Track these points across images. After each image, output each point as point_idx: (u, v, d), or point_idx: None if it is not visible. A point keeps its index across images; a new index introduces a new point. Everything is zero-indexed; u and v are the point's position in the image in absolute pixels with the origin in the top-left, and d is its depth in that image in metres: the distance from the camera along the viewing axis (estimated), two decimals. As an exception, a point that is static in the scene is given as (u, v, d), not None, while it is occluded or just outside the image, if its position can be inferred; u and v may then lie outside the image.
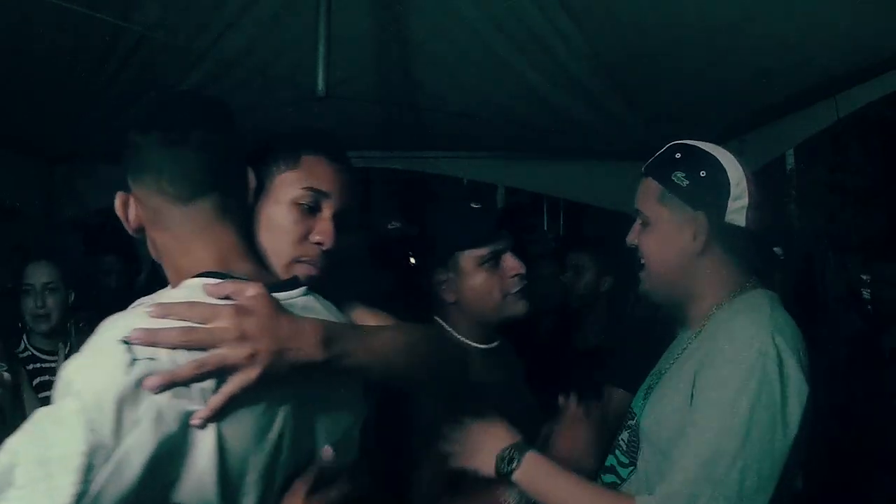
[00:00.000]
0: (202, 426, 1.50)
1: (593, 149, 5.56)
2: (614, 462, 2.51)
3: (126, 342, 1.48)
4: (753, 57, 3.71)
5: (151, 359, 1.48)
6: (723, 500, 2.03)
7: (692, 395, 2.20)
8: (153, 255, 1.87)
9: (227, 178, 1.82)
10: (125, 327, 1.51)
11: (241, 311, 1.61)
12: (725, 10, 3.30)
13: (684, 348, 2.42)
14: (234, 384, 1.55)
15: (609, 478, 2.50)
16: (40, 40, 3.55)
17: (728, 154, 2.42)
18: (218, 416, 1.52)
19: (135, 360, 1.46)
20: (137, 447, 1.42)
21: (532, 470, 2.35)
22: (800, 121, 4.50)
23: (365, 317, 2.09)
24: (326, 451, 1.80)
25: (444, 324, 2.83)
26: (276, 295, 1.73)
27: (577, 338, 4.83)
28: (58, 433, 1.40)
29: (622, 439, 2.52)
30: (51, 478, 1.37)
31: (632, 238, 2.49)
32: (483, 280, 2.77)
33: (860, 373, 5.10)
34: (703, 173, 2.35)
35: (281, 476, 1.71)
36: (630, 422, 2.51)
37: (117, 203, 1.83)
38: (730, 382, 2.10)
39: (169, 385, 1.48)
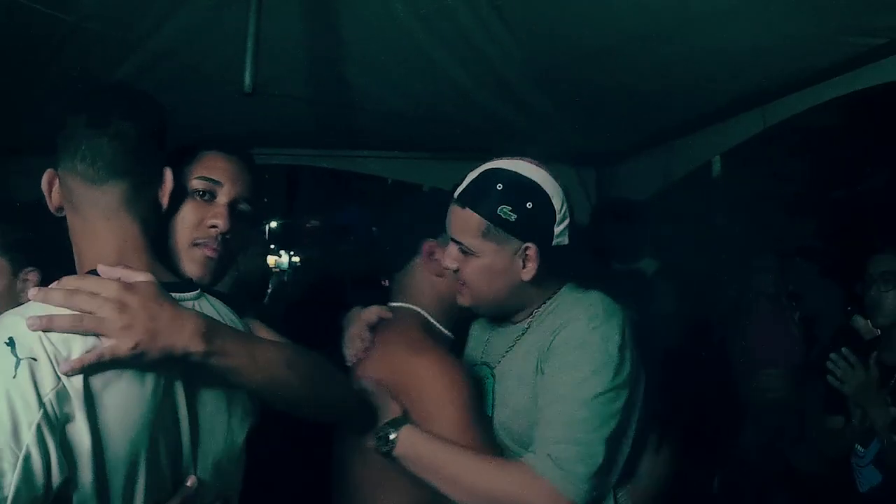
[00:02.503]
0: (67, 374, 1.56)
1: (522, 151, 5.53)
2: None
3: (9, 343, 1.54)
4: (683, 66, 3.81)
5: (34, 359, 1.54)
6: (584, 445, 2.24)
7: (537, 371, 2.40)
8: (70, 236, 1.92)
9: (140, 169, 1.90)
10: (8, 326, 1.58)
11: (126, 287, 1.69)
12: (658, 20, 3.37)
13: (518, 336, 2.57)
14: (106, 347, 1.62)
15: None
16: (-31, 28, 3.52)
17: (547, 176, 2.48)
18: (88, 372, 1.58)
19: (19, 360, 1.52)
20: (36, 445, 1.49)
21: (412, 445, 2.36)
22: (728, 129, 4.61)
23: (261, 333, 2.16)
24: (191, 480, 1.85)
25: (421, 311, 2.79)
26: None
27: None
28: None
29: None
30: None
31: (452, 263, 2.51)
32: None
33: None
34: (529, 205, 2.40)
35: (151, 485, 1.76)
36: None
37: (44, 179, 1.90)
38: (579, 364, 2.30)
39: (47, 328, 1.57)
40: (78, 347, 1.60)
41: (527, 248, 2.42)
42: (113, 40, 3.74)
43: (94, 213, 1.84)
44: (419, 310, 2.76)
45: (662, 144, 5.15)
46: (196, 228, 2.08)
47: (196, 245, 2.08)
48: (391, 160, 6.20)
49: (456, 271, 2.52)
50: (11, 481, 1.44)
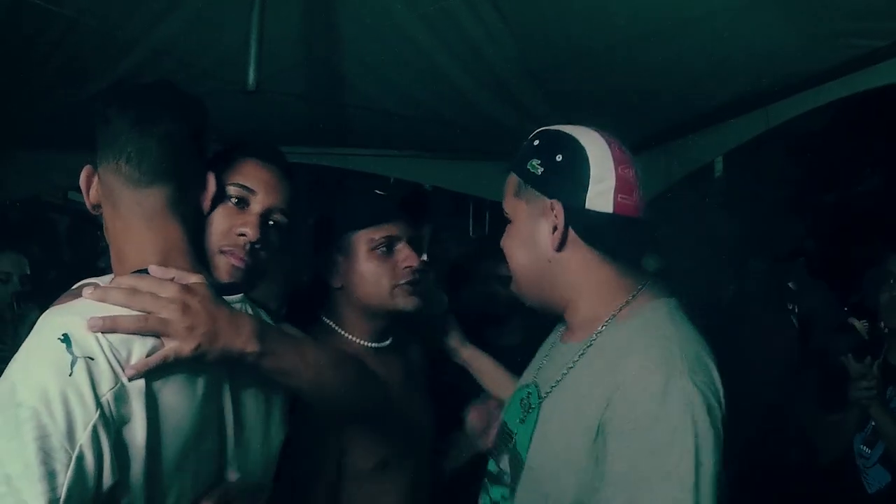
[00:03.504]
0: (132, 378, 1.56)
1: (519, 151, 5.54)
2: (506, 493, 2.16)
3: (64, 340, 1.52)
4: (684, 67, 3.79)
5: (91, 358, 1.52)
6: None
7: (596, 439, 1.88)
8: (105, 236, 1.91)
9: (184, 173, 1.88)
10: (63, 324, 1.56)
11: (185, 289, 1.70)
12: (657, 20, 3.36)
13: (570, 367, 2.08)
14: (170, 349, 1.63)
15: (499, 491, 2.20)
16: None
17: (594, 134, 2.13)
18: (149, 374, 1.59)
19: (75, 359, 1.50)
20: (90, 446, 1.47)
21: None
22: (730, 130, 4.59)
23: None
24: (233, 475, 1.87)
25: (329, 322, 2.78)
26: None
27: (497, 335, 4.80)
28: (13, 447, 1.43)
29: (502, 462, 2.21)
30: (18, 492, 1.40)
31: (502, 241, 2.23)
32: (373, 267, 2.67)
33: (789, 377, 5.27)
34: (559, 157, 2.08)
35: (195, 484, 1.77)
36: (509, 443, 2.19)
37: (82, 176, 1.89)
38: (661, 451, 1.78)
39: (111, 329, 1.56)
40: (138, 349, 1.60)
41: (552, 206, 2.07)
42: (111, 36, 3.72)
43: (136, 214, 1.82)
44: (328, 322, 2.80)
45: (663, 145, 5.13)
46: (225, 235, 2.06)
47: (223, 252, 2.06)
48: (390, 159, 6.17)
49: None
50: (63, 482, 1.43)
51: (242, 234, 2.05)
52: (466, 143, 5.56)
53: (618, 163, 2.07)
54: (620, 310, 2.07)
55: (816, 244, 8.28)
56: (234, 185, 2.09)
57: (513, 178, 2.18)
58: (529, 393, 2.22)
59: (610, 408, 1.86)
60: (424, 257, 2.74)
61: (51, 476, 1.42)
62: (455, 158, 6.05)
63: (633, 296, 2.10)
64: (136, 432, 1.57)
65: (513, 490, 2.10)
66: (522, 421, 2.16)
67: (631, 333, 2.00)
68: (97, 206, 1.90)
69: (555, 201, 2.06)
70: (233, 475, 1.86)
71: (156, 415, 1.61)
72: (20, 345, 1.58)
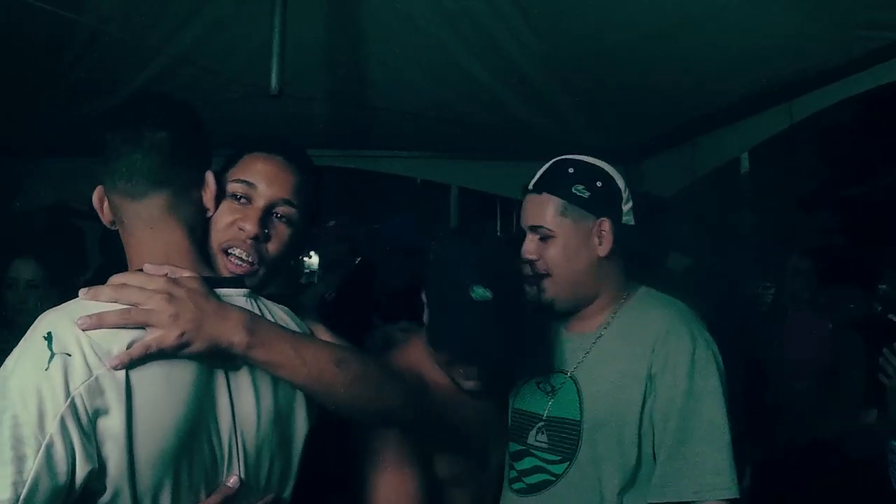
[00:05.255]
0: (116, 367, 1.59)
1: (545, 150, 5.53)
2: (538, 462, 2.62)
3: (47, 338, 1.58)
4: (705, 62, 3.78)
5: (67, 354, 1.57)
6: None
7: (647, 389, 2.46)
8: (125, 251, 1.93)
9: (178, 177, 1.89)
10: (50, 323, 1.62)
11: (172, 282, 1.72)
12: (680, 15, 3.35)
13: (587, 351, 2.62)
14: (153, 338, 1.64)
15: (538, 477, 2.61)
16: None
17: (608, 165, 2.67)
18: (132, 363, 1.61)
19: (53, 355, 1.55)
20: (60, 435, 1.52)
21: None
22: (754, 125, 4.57)
23: (323, 336, 2.13)
24: (232, 480, 1.84)
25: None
26: (216, 290, 1.82)
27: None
28: None
29: (538, 440, 2.63)
30: None
31: (531, 252, 2.61)
32: None
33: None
34: (598, 184, 2.59)
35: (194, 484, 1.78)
36: (539, 423, 2.64)
37: (94, 198, 1.93)
38: (700, 379, 2.41)
39: (97, 325, 1.61)
40: (122, 342, 1.63)
41: (601, 223, 2.56)
42: (133, 44, 3.74)
43: (139, 224, 1.85)
44: None
45: (688, 141, 5.11)
46: (226, 231, 2.03)
47: (226, 249, 2.03)
48: (415, 160, 6.20)
49: (533, 263, 2.60)
50: (32, 467, 1.48)
51: (242, 229, 2.02)
52: (491, 143, 5.57)
53: (626, 185, 2.67)
54: (627, 297, 2.66)
55: (841, 240, 8.23)
56: (234, 181, 2.07)
57: (553, 201, 2.59)
58: (543, 378, 2.70)
59: (655, 353, 2.47)
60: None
61: (19, 460, 1.48)
62: (482, 159, 6.06)
63: (632, 287, 2.69)
64: (114, 423, 1.59)
65: (564, 450, 2.55)
66: (550, 394, 2.66)
67: (645, 308, 2.63)
68: (113, 223, 1.93)
69: (604, 220, 2.56)
70: (233, 480, 1.83)
71: (136, 406, 1.62)
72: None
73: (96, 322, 1.61)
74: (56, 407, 1.52)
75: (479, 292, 2.36)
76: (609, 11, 3.48)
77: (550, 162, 2.70)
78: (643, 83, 4.16)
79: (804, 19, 3.23)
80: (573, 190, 2.57)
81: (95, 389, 1.56)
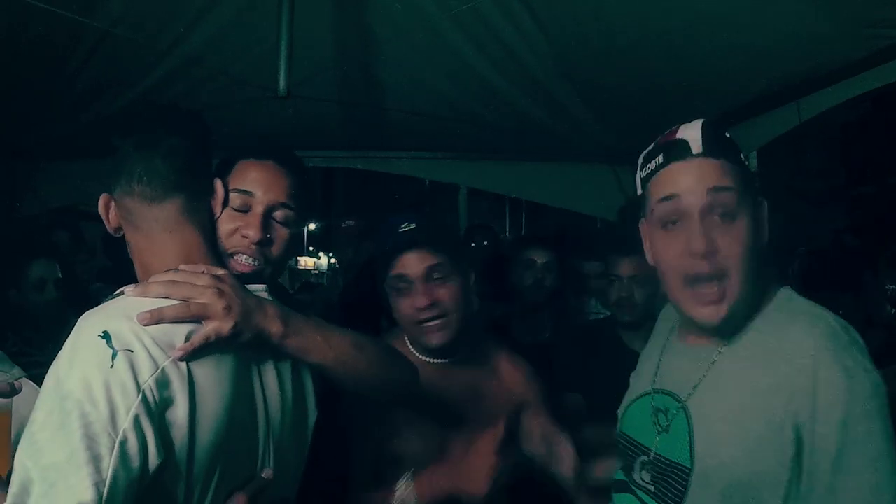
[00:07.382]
0: (181, 359, 1.67)
1: (554, 150, 5.62)
2: None
3: (104, 336, 1.61)
4: (716, 61, 3.77)
5: (130, 350, 1.61)
6: None
7: (795, 435, 1.78)
8: (130, 254, 2.01)
9: (193, 183, 1.98)
10: (101, 323, 1.65)
11: (217, 277, 1.82)
12: (688, 15, 3.36)
13: (704, 373, 1.99)
14: (211, 328, 1.74)
15: (628, 498, 2.14)
16: (1, 35, 3.55)
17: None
18: (194, 355, 1.70)
19: (115, 352, 1.59)
20: (133, 430, 1.55)
21: None
22: (762, 124, 4.55)
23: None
24: (266, 472, 1.93)
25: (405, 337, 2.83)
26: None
27: (521, 330, 4.69)
28: (59, 436, 1.52)
29: (642, 479, 2.10)
30: (65, 478, 1.48)
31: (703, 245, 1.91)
32: (397, 303, 2.73)
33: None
34: (742, 157, 2.04)
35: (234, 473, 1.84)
36: (643, 457, 2.10)
37: (100, 204, 1.99)
38: (862, 425, 1.73)
39: (157, 320, 1.67)
40: (179, 335, 1.70)
41: (764, 203, 1.97)
42: (143, 46, 3.75)
43: (156, 228, 1.92)
44: None
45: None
46: (230, 239, 2.14)
47: (233, 255, 2.14)
48: (425, 161, 6.19)
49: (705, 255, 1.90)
50: (109, 465, 1.51)
51: (246, 236, 2.14)
52: (501, 143, 5.56)
53: None
54: (766, 303, 1.96)
55: (853, 236, 8.20)
56: (233, 190, 2.16)
57: (724, 166, 1.99)
58: (655, 402, 2.13)
59: (798, 397, 1.77)
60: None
61: (95, 460, 1.50)
62: (491, 159, 6.05)
63: (768, 289, 1.99)
64: (179, 414, 1.65)
65: (668, 501, 1.98)
66: (664, 430, 2.05)
67: (781, 319, 1.92)
68: (118, 229, 2.00)
69: (763, 200, 1.99)
70: (268, 472, 1.92)
71: (197, 397, 1.69)
72: (56, 352, 1.65)
73: (157, 317, 1.68)
74: (128, 402, 1.56)
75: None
76: (619, 12, 3.47)
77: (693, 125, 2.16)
78: (653, 83, 4.15)
79: (813, 18, 3.22)
80: (741, 157, 2.02)
81: (163, 381, 1.63)
